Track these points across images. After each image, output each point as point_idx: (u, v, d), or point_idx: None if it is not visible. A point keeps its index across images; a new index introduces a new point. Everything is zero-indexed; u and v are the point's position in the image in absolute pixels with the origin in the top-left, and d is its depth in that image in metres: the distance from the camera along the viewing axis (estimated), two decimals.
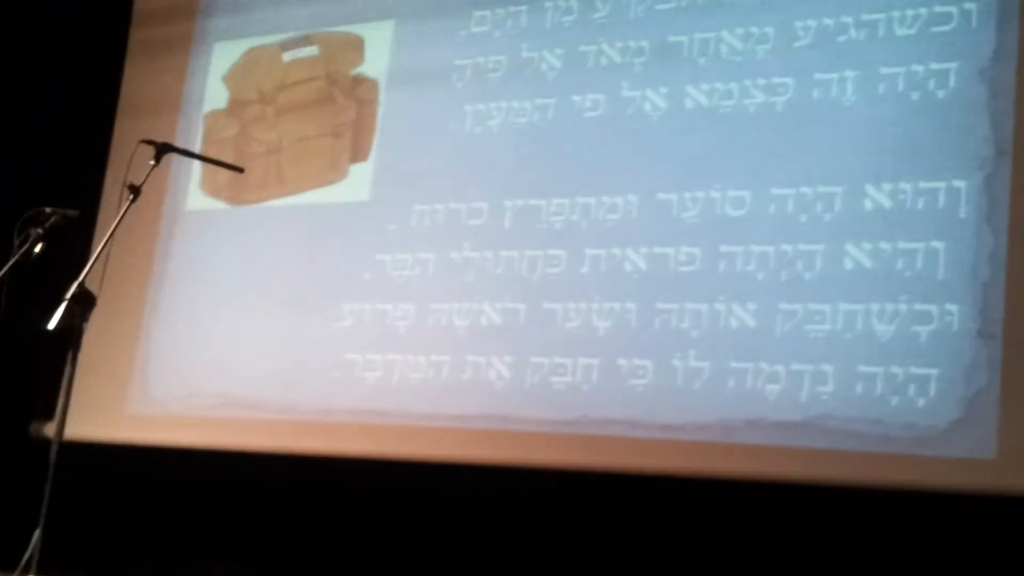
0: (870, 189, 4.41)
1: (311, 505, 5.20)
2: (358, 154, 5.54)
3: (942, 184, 4.30)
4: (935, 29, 4.46)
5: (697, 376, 4.52)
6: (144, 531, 5.48)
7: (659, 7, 5.02)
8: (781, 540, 4.35)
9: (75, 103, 6.25)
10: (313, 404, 5.24)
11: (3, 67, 6.23)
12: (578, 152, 5.02)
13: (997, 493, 4.00)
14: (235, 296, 5.60)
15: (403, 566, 5.03)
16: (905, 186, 4.36)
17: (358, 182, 5.50)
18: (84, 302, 3.75)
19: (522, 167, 5.12)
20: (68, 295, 3.72)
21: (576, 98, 5.08)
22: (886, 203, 4.37)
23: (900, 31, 4.52)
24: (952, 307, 4.17)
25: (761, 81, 4.72)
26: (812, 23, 4.69)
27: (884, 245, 4.33)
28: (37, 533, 3.66)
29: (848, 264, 4.38)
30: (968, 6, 4.42)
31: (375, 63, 5.64)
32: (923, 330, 4.20)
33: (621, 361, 4.67)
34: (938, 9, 4.47)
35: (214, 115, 5.98)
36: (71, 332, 3.75)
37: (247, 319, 5.53)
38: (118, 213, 3.96)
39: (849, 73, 4.57)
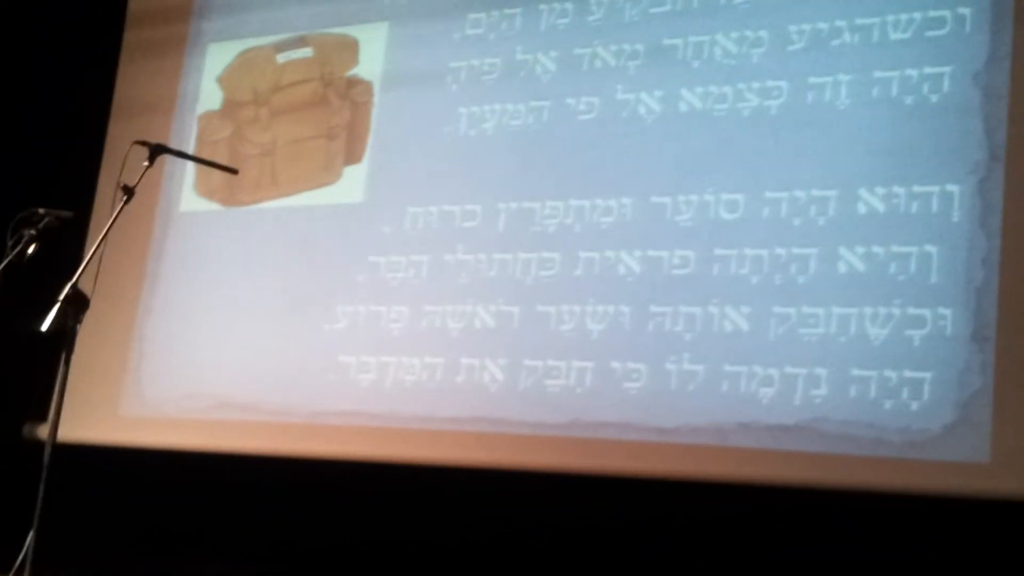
0: (864, 193, 4.41)
1: (304, 507, 5.20)
2: (352, 156, 5.54)
3: (936, 188, 4.30)
4: (929, 33, 4.46)
5: (691, 379, 4.52)
6: (138, 533, 5.47)
7: (653, 10, 5.02)
8: (775, 543, 4.35)
9: (69, 104, 6.24)
10: (307, 406, 5.24)
11: None
12: (572, 155, 5.02)
13: (990, 497, 4.00)
14: (229, 298, 5.60)
15: (397, 568, 5.02)
16: (899, 190, 4.36)
17: (352, 184, 5.49)
18: (77, 303, 3.73)
19: (516, 169, 5.12)
20: (61, 296, 3.70)
21: (570, 101, 5.08)
22: (880, 207, 4.38)
23: (894, 35, 4.52)
24: (945, 311, 4.17)
25: (755, 85, 4.72)
26: (806, 27, 4.69)
27: (877, 249, 4.34)
28: (31, 535, 3.65)
29: (842, 268, 4.38)
30: (962, 11, 4.42)
31: (369, 65, 5.64)
32: (916, 334, 4.20)
33: (615, 364, 4.67)
34: (932, 13, 4.47)
35: (208, 116, 5.97)
36: (64, 333, 3.73)
37: (241, 321, 5.53)
38: (112, 214, 3.95)
39: (843, 77, 4.57)
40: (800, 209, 4.51)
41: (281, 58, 5.87)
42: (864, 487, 4.19)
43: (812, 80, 4.62)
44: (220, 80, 6.01)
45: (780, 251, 4.50)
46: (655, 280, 4.69)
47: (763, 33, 4.76)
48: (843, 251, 4.39)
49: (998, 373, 4.04)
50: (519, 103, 5.20)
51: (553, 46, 5.19)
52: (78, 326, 3.77)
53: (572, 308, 4.82)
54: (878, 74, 4.50)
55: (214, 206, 5.83)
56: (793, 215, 4.52)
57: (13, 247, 3.90)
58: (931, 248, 4.26)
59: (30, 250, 3.89)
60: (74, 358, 3.79)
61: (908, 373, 4.17)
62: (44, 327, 3.66)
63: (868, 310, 4.29)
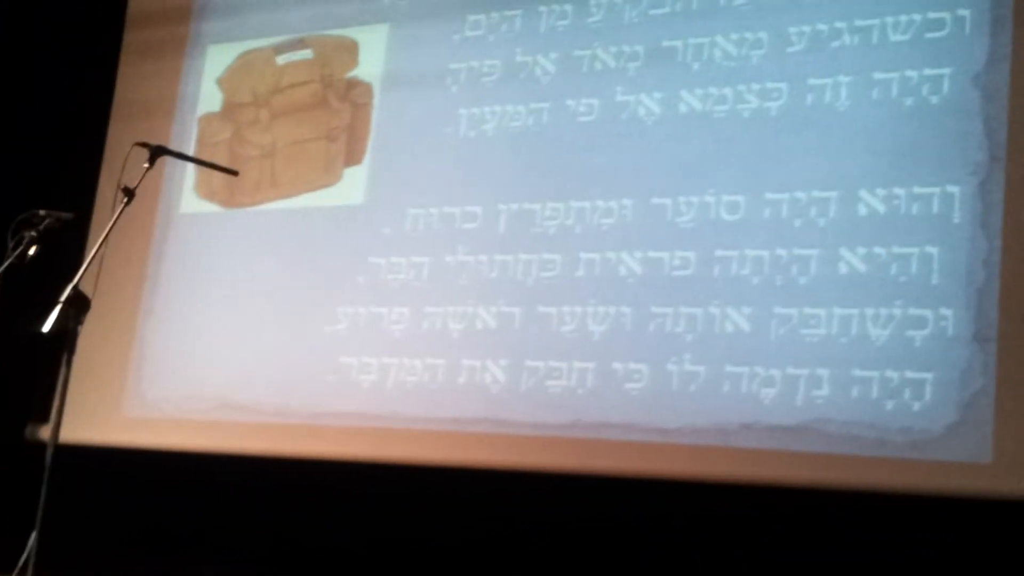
0: (864, 194, 4.42)
1: (306, 508, 5.20)
2: (352, 157, 5.54)
3: (936, 189, 4.31)
4: (929, 35, 4.47)
5: (692, 380, 4.52)
6: (140, 534, 5.47)
7: (653, 12, 5.02)
8: (777, 544, 4.36)
9: (69, 105, 6.24)
10: (308, 407, 5.24)
11: None
12: (572, 156, 5.02)
13: (992, 497, 4.00)
14: (229, 299, 5.60)
15: (399, 569, 5.03)
16: (899, 191, 4.36)
17: (352, 185, 5.49)
18: (78, 305, 3.73)
19: (517, 171, 5.12)
20: (62, 298, 3.70)
21: (570, 102, 5.08)
22: (880, 208, 4.38)
23: (894, 37, 4.52)
24: (947, 311, 4.18)
25: (755, 86, 4.72)
26: (806, 28, 4.69)
27: (878, 250, 4.34)
28: (33, 536, 3.65)
29: (843, 269, 4.38)
30: (962, 12, 4.42)
31: (369, 66, 5.64)
32: (918, 334, 4.20)
33: (616, 365, 4.67)
34: (932, 15, 4.47)
35: (208, 118, 5.97)
36: (66, 335, 3.73)
37: (241, 322, 5.53)
38: (112, 216, 3.95)
39: (843, 78, 4.57)
40: (801, 210, 4.51)
41: (281, 60, 5.87)
42: (866, 487, 4.19)
43: (812, 81, 4.63)
44: (220, 82, 6.01)
45: (781, 252, 4.50)
46: (656, 281, 4.70)
47: (763, 35, 4.76)
48: (844, 252, 4.39)
49: (1000, 373, 4.04)
50: (519, 104, 5.20)
51: (553, 48, 5.19)
52: (79, 327, 3.76)
53: (573, 309, 4.82)
54: (878, 75, 4.51)
55: (214, 208, 5.83)
56: (794, 216, 4.52)
57: (14, 248, 3.89)
58: (932, 249, 4.26)
59: (31, 251, 3.89)
60: (75, 359, 3.78)
61: (910, 374, 4.18)
62: (45, 328, 3.65)
63: (869, 311, 4.29)
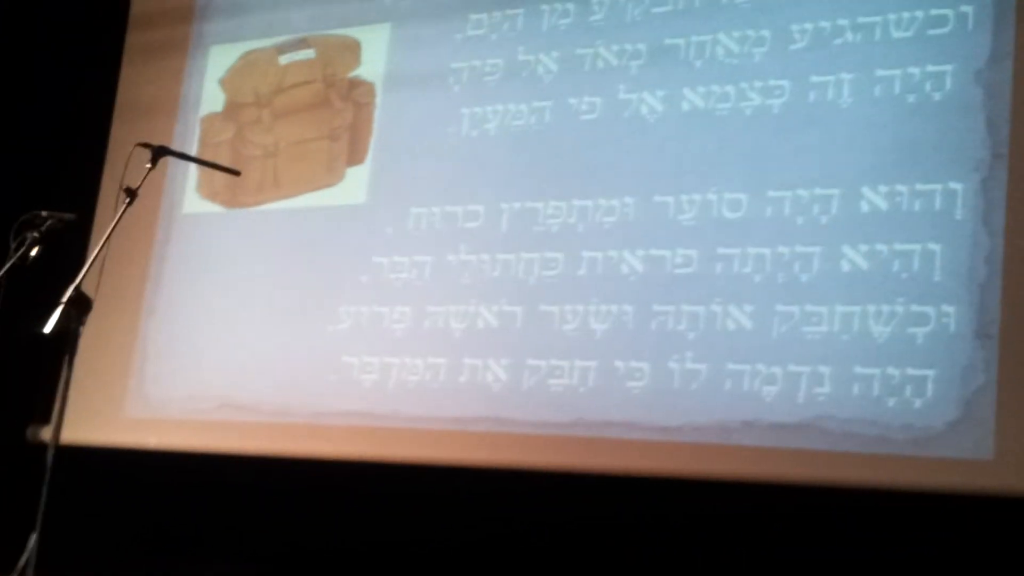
0: (866, 191, 4.41)
1: (308, 508, 5.20)
2: (354, 157, 5.54)
3: (938, 186, 4.30)
4: (931, 32, 4.46)
5: (694, 378, 4.52)
6: (141, 534, 5.47)
7: (655, 10, 5.02)
8: (779, 541, 4.35)
9: (72, 106, 6.25)
10: (310, 407, 5.24)
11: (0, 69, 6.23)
12: (575, 155, 5.02)
13: (994, 494, 4.00)
14: (232, 299, 5.60)
15: (401, 569, 5.02)
16: (901, 188, 4.36)
17: (354, 185, 5.50)
18: (80, 305, 3.73)
19: (519, 170, 5.12)
20: (64, 298, 3.70)
21: (573, 101, 5.08)
22: (883, 205, 4.38)
23: (896, 34, 4.52)
24: (949, 308, 4.17)
25: (757, 84, 4.72)
26: (808, 26, 4.69)
27: (881, 247, 4.34)
28: (34, 537, 3.65)
29: (845, 266, 4.38)
30: (964, 9, 4.42)
31: (372, 66, 5.64)
32: (920, 331, 4.20)
33: (618, 363, 4.67)
34: (934, 12, 4.47)
35: (210, 118, 5.98)
36: (67, 336, 3.73)
37: (244, 322, 5.53)
38: (114, 216, 3.95)
39: (845, 76, 4.57)
40: (803, 208, 4.51)
41: (283, 60, 5.87)
42: (868, 484, 4.19)
43: (814, 79, 4.62)
44: (222, 82, 6.01)
45: (783, 250, 4.49)
46: (658, 279, 4.69)
47: (765, 32, 4.76)
48: (846, 249, 4.39)
49: (1001, 370, 4.04)
50: (521, 103, 5.20)
51: (555, 46, 5.19)
52: (81, 328, 3.77)
53: (575, 308, 4.81)
54: (880, 72, 4.50)
55: (217, 208, 5.83)
56: (796, 214, 4.51)
57: (16, 249, 3.89)
58: (934, 246, 4.26)
59: (33, 252, 3.89)
60: (77, 360, 3.78)
61: (911, 371, 4.17)
62: (47, 329, 3.66)
63: (871, 308, 4.29)
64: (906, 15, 4.52)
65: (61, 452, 3.73)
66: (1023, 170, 4.19)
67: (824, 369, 4.31)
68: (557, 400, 4.75)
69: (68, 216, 4.01)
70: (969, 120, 4.30)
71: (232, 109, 5.94)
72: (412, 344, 5.11)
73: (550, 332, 4.84)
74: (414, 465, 4.95)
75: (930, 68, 4.43)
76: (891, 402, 4.17)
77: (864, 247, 4.36)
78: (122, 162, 4.08)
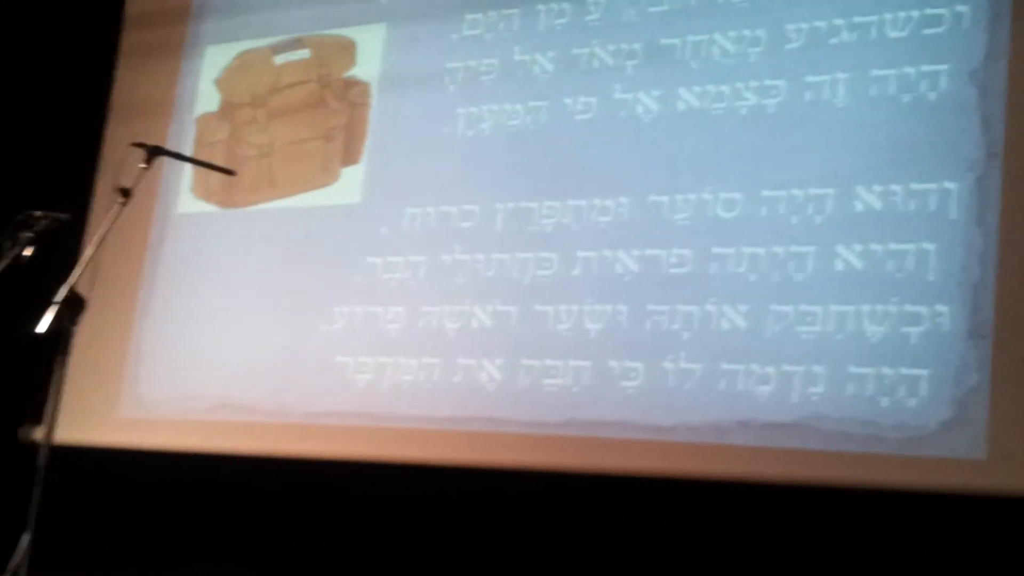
0: (861, 191, 4.41)
1: (302, 508, 5.20)
2: (350, 157, 5.54)
3: (933, 186, 4.30)
4: (926, 31, 4.46)
5: (688, 377, 4.52)
6: (134, 535, 5.47)
7: (651, 10, 5.02)
8: (773, 541, 4.35)
9: (67, 106, 6.24)
10: (304, 406, 5.24)
11: None
12: (570, 155, 5.01)
13: (987, 493, 3.99)
14: (226, 299, 5.60)
15: (395, 568, 5.02)
16: (896, 188, 4.36)
17: (349, 185, 5.49)
18: (74, 306, 3.75)
19: (514, 170, 5.11)
20: (58, 299, 3.71)
21: (568, 101, 5.08)
22: (877, 205, 4.37)
23: (892, 33, 4.51)
24: (943, 308, 4.17)
25: (753, 83, 4.72)
26: (804, 26, 4.68)
27: (875, 247, 4.33)
28: (26, 537, 3.65)
29: (839, 266, 4.37)
30: (960, 8, 4.41)
31: (367, 66, 5.64)
32: (914, 331, 4.19)
33: (612, 363, 4.67)
34: (929, 12, 4.46)
35: (206, 118, 5.98)
36: (61, 335, 3.75)
37: (238, 322, 5.53)
38: (109, 216, 3.96)
39: (841, 75, 4.56)
40: (798, 207, 4.50)
41: (278, 60, 5.87)
42: (861, 484, 4.17)
43: (810, 79, 4.62)
44: (218, 82, 6.01)
45: (778, 249, 4.49)
46: (653, 279, 4.69)
47: (761, 32, 4.76)
48: (841, 249, 4.38)
49: (995, 370, 4.03)
50: (517, 103, 5.19)
51: (551, 46, 5.18)
52: (75, 328, 3.78)
53: (570, 307, 4.81)
54: (876, 72, 4.50)
55: (212, 208, 5.83)
56: (791, 213, 4.51)
57: (10, 249, 3.90)
58: (928, 246, 4.25)
59: (27, 252, 3.89)
60: (71, 360, 3.80)
61: (905, 370, 4.17)
62: (41, 329, 3.67)
63: (865, 307, 4.28)
64: (901, 15, 4.51)
65: (54, 452, 3.74)
66: (1018, 170, 4.18)
67: (818, 369, 4.30)
68: (551, 400, 4.74)
69: (62, 216, 4.02)
70: (964, 120, 4.29)
71: (227, 109, 5.94)
72: (406, 344, 5.10)
73: (544, 332, 4.83)
74: (408, 465, 4.94)
75: (925, 68, 4.42)
76: (885, 402, 4.16)
77: (858, 247, 4.36)
78: (116, 162, 4.11)
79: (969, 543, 4.03)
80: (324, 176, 5.57)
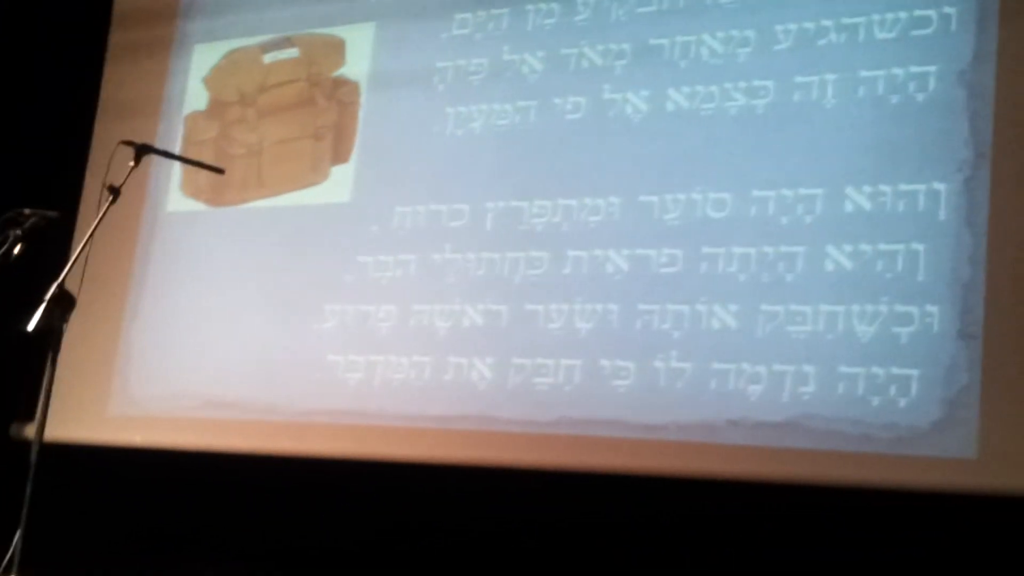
0: (850, 191, 4.42)
1: (293, 506, 5.19)
2: (339, 156, 5.53)
3: (922, 186, 4.31)
4: (915, 33, 4.47)
5: (679, 377, 4.53)
6: (125, 532, 5.46)
7: (640, 10, 5.03)
8: (764, 540, 4.36)
9: (55, 105, 6.23)
10: (295, 405, 5.23)
11: None
12: (560, 154, 5.02)
13: (978, 493, 4.01)
14: (216, 297, 5.59)
15: (385, 567, 5.02)
16: (885, 188, 4.37)
17: (339, 184, 5.49)
18: (64, 303, 3.73)
19: (504, 169, 5.12)
20: (48, 296, 3.70)
21: (557, 100, 5.09)
22: (866, 205, 4.39)
23: (880, 35, 4.53)
24: (933, 308, 4.18)
25: (742, 84, 4.73)
26: (792, 27, 4.70)
27: (865, 247, 4.35)
28: (18, 534, 3.65)
29: (829, 266, 4.39)
30: (948, 10, 4.43)
31: (356, 65, 5.64)
32: (904, 331, 4.21)
33: (603, 362, 4.67)
34: (918, 13, 4.48)
35: (194, 117, 5.97)
36: (51, 333, 3.73)
37: (228, 320, 5.52)
38: (98, 214, 3.95)
39: (829, 76, 4.58)
40: (787, 207, 4.51)
41: (267, 58, 5.86)
42: (852, 483, 4.19)
43: (798, 79, 4.63)
44: (206, 81, 6.00)
45: (768, 249, 4.50)
46: (643, 278, 4.70)
47: (749, 33, 4.77)
48: (830, 249, 4.40)
49: (985, 370, 4.05)
50: (506, 103, 5.20)
51: (540, 46, 5.19)
52: (65, 326, 3.76)
53: (560, 306, 4.82)
54: (864, 73, 4.51)
55: (201, 206, 5.82)
56: (780, 213, 4.52)
57: None
58: (918, 246, 4.27)
59: (16, 250, 3.88)
60: (61, 358, 3.79)
61: (895, 370, 4.18)
62: (30, 327, 3.66)
63: (855, 307, 4.30)
64: (889, 16, 4.53)
65: (45, 450, 3.72)
66: (1006, 170, 4.20)
67: (808, 368, 4.32)
68: (542, 399, 4.75)
69: (51, 214, 4.00)
70: (952, 121, 4.31)
71: (216, 108, 5.93)
72: (397, 343, 5.10)
73: (535, 331, 4.84)
74: (399, 463, 4.94)
75: (913, 69, 4.44)
76: (875, 401, 4.18)
77: (848, 247, 4.37)
78: (105, 160, 4.10)
79: (960, 542, 4.05)
80: (313, 175, 5.57)
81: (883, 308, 4.26)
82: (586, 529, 4.69)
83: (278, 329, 5.38)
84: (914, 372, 4.15)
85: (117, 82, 6.22)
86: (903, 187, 4.34)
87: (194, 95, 6.00)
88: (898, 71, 4.46)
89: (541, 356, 4.79)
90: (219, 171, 4.90)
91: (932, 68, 4.41)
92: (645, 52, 4.95)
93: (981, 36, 4.35)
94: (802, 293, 4.40)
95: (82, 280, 3.92)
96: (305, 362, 5.27)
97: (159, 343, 5.68)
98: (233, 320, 5.51)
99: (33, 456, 3.69)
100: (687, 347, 4.54)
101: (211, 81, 5.98)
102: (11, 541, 3.68)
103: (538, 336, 4.83)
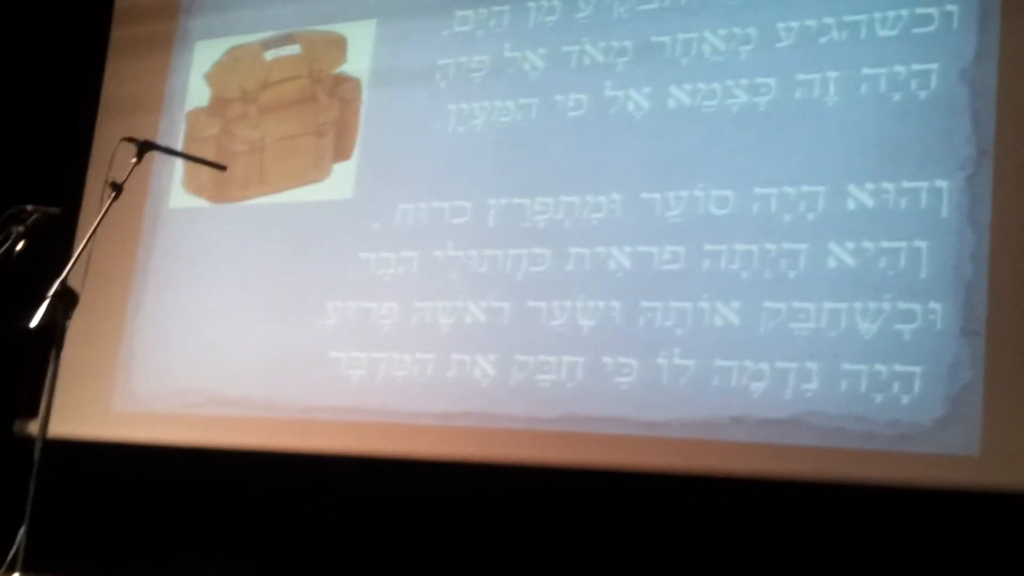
0: (853, 189, 4.43)
1: (295, 503, 5.20)
2: (341, 153, 5.54)
3: (924, 184, 4.32)
4: (917, 30, 4.48)
5: (682, 374, 4.53)
6: (129, 529, 5.46)
7: (642, 7, 5.03)
8: (766, 537, 4.36)
9: (57, 102, 6.23)
10: (297, 402, 5.24)
11: None
12: (561, 151, 5.02)
13: (981, 490, 4.02)
14: (219, 294, 5.59)
15: (388, 564, 5.02)
16: (888, 186, 4.37)
17: (341, 181, 5.49)
18: (67, 300, 3.73)
19: (505, 166, 5.12)
20: (51, 293, 3.70)
21: (559, 98, 5.09)
22: (869, 202, 4.39)
23: (882, 32, 4.53)
24: (935, 305, 4.19)
25: (744, 81, 4.73)
26: (794, 24, 4.70)
27: (867, 244, 4.35)
28: (22, 531, 3.65)
29: (831, 263, 4.39)
30: (949, 8, 4.43)
31: (357, 62, 5.64)
32: (906, 328, 4.21)
33: (606, 359, 4.68)
34: (920, 11, 4.48)
35: (196, 113, 5.97)
36: (54, 330, 3.73)
37: (231, 317, 5.52)
38: (100, 211, 3.95)
39: (831, 74, 4.58)
40: (790, 205, 4.52)
41: (269, 55, 5.86)
42: (855, 480, 4.20)
43: (800, 77, 4.63)
44: (208, 77, 6.00)
45: (770, 246, 4.51)
46: (645, 275, 4.70)
47: (751, 30, 4.77)
48: (833, 246, 4.40)
49: (988, 367, 4.05)
50: (508, 100, 5.20)
51: (541, 43, 5.19)
52: (68, 322, 3.76)
53: (563, 304, 4.82)
54: (866, 71, 4.52)
55: (203, 203, 5.82)
56: (783, 211, 4.53)
57: (1, 244, 3.88)
58: (920, 243, 4.27)
59: (19, 247, 3.87)
60: (64, 354, 3.78)
61: (898, 367, 4.19)
62: (34, 323, 3.65)
63: (858, 305, 4.30)
64: (891, 14, 4.53)
65: (49, 446, 3.72)
66: (1008, 168, 4.20)
67: (811, 365, 4.32)
68: (545, 396, 4.75)
69: (54, 211, 3.99)
70: (954, 118, 4.31)
71: (218, 104, 5.93)
72: (399, 339, 5.10)
73: (538, 328, 4.84)
74: (402, 460, 4.95)
75: (915, 67, 4.44)
76: (878, 398, 4.19)
77: (851, 244, 4.38)
78: (107, 157, 4.09)
79: (963, 540, 4.05)
80: (315, 172, 5.57)
81: (886, 305, 4.26)
82: (589, 526, 4.69)
83: (280, 326, 5.38)
84: (917, 369, 4.16)
85: (119, 79, 6.22)
86: (905, 184, 4.34)
87: (196, 92, 6.00)
88: (900, 69, 4.46)
89: (544, 353, 4.80)
90: (221, 168, 4.89)
91: (934, 66, 4.41)
92: (647, 49, 4.95)
93: (983, 34, 4.36)
94: (805, 290, 4.40)
95: (85, 277, 3.92)
96: (307, 359, 5.27)
97: (162, 340, 5.68)
98: (235, 317, 5.51)
99: (36, 453, 3.68)
100: (690, 344, 4.54)
101: (213, 78, 5.98)
102: (15, 538, 3.68)
103: (540, 333, 4.83)
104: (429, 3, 5.51)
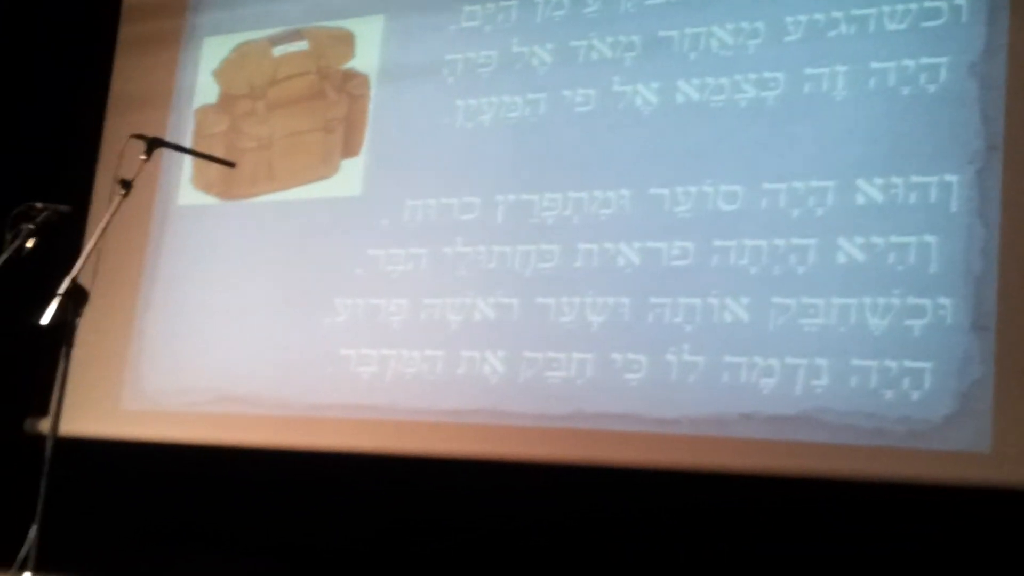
0: (862, 183, 4.42)
1: (305, 500, 5.21)
2: (349, 149, 5.54)
3: (934, 178, 4.31)
4: (925, 24, 4.47)
5: (691, 370, 4.53)
6: (139, 526, 5.47)
7: (649, 2, 5.03)
8: (776, 534, 4.36)
9: (66, 99, 6.24)
10: (307, 399, 5.25)
11: None
12: (570, 147, 5.02)
13: (991, 486, 4.01)
14: (228, 291, 5.60)
15: (398, 560, 5.03)
16: (897, 180, 4.37)
17: (350, 177, 5.49)
18: (77, 297, 3.74)
19: (514, 162, 5.12)
20: (61, 290, 3.70)
21: (567, 93, 5.08)
22: (878, 197, 4.38)
23: (891, 26, 4.52)
24: (945, 301, 4.18)
25: (752, 76, 4.72)
26: (803, 18, 4.69)
27: (876, 239, 4.34)
28: (34, 529, 3.66)
29: (841, 258, 4.39)
30: (958, 1, 4.43)
31: (366, 58, 5.64)
32: (916, 324, 4.21)
33: (615, 355, 4.68)
34: (928, 4, 4.48)
35: (204, 110, 5.97)
36: (64, 327, 3.74)
37: (240, 314, 5.53)
38: (110, 208, 3.95)
39: (840, 68, 4.57)
40: (798, 200, 4.51)
41: (277, 51, 5.86)
42: (865, 477, 4.20)
43: (809, 71, 4.63)
44: (216, 74, 6.00)
45: (779, 242, 4.50)
46: (654, 271, 4.70)
47: (759, 24, 4.76)
48: (842, 241, 4.40)
49: (998, 362, 4.05)
50: (516, 95, 5.20)
51: (549, 38, 5.19)
52: (78, 320, 3.77)
53: (572, 300, 4.82)
54: (875, 65, 4.51)
55: (211, 200, 5.82)
56: (792, 206, 4.52)
57: (12, 242, 3.88)
58: (930, 238, 4.26)
59: (29, 244, 3.88)
60: (74, 352, 3.80)
61: (908, 363, 4.18)
62: (44, 321, 3.66)
63: (868, 300, 4.29)
64: (900, 7, 4.52)
65: (59, 444, 3.73)
66: (1018, 162, 4.19)
67: (821, 361, 4.32)
68: (554, 392, 4.76)
69: (63, 208, 4.00)
70: (964, 112, 4.30)
71: (226, 101, 5.93)
72: (409, 336, 5.11)
73: (547, 324, 4.84)
74: (411, 457, 4.96)
75: (924, 60, 4.43)
76: (888, 394, 4.18)
77: (860, 239, 4.37)
78: (116, 154, 4.10)
79: (974, 536, 4.05)
80: (324, 168, 5.57)
81: (895, 301, 4.25)
82: (598, 523, 4.69)
83: (289, 323, 5.39)
84: (927, 365, 4.15)
85: (127, 76, 6.23)
86: (915, 179, 4.34)
87: (204, 88, 6.01)
88: (909, 63, 4.45)
89: (553, 350, 4.80)
90: (230, 164, 4.90)
91: (943, 59, 4.40)
92: (655, 44, 4.95)
93: (992, 27, 4.34)
94: (814, 286, 4.40)
95: (95, 274, 3.93)
96: (317, 356, 5.28)
97: (171, 337, 5.70)
98: (244, 314, 5.51)
99: (48, 451, 3.69)
100: (699, 340, 4.54)
101: (221, 74, 5.99)
102: (26, 535, 3.69)
103: (549, 329, 4.83)
104: None
